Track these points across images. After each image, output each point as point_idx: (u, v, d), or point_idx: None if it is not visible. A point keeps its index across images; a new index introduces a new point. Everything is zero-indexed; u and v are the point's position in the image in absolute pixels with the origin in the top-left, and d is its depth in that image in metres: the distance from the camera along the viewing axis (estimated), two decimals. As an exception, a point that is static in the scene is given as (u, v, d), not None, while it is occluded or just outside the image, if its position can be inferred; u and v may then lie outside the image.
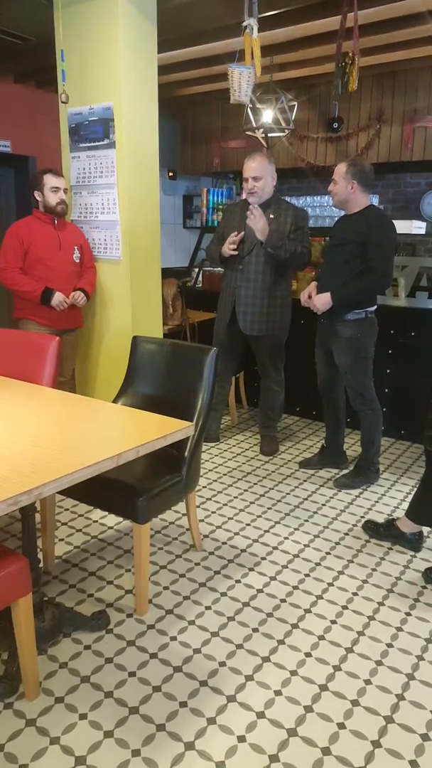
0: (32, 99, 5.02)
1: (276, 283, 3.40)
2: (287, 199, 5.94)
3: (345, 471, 3.39)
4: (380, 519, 2.87)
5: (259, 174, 3.27)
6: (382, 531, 2.69)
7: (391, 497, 3.15)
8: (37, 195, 3.19)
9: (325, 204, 5.71)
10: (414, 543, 2.61)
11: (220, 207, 6.01)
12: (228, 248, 3.37)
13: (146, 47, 3.14)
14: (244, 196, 3.43)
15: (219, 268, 4.98)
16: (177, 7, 3.23)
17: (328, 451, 3.48)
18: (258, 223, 3.23)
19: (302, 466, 3.51)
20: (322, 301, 3.00)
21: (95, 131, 3.21)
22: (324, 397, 3.38)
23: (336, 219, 3.24)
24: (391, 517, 2.83)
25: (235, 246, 3.35)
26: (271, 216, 3.32)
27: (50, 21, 3.23)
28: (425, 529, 2.68)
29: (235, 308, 3.46)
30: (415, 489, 2.59)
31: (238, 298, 3.44)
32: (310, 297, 3.10)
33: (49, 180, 3.15)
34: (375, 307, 3.06)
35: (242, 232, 3.35)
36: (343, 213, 3.10)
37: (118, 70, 3.04)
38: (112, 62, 3.05)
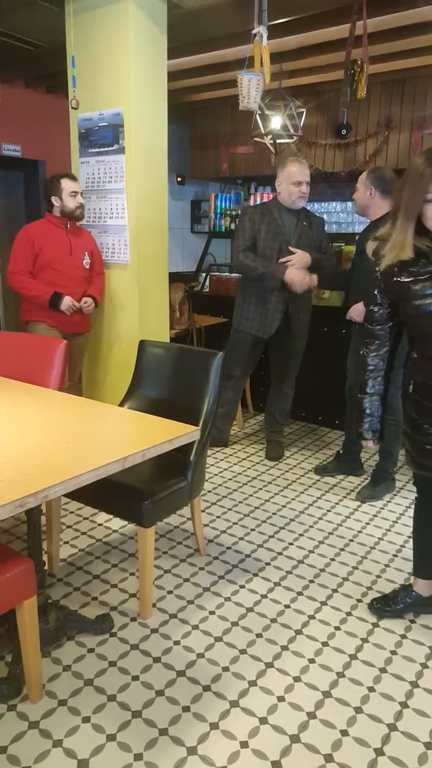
0: (43, 104, 5.06)
1: None
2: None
3: (365, 481, 3.34)
4: (379, 533, 2.85)
5: (309, 179, 3.32)
6: (401, 600, 2.22)
7: (389, 511, 3.13)
8: (54, 200, 3.18)
9: (332, 210, 5.73)
10: None
11: (228, 212, 6.02)
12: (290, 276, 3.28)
13: (156, 54, 3.17)
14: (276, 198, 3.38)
15: (230, 274, 5.00)
16: (187, 14, 3.25)
17: (345, 458, 3.45)
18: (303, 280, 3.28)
19: (318, 472, 3.49)
20: None
21: (105, 137, 3.23)
22: (350, 403, 3.32)
23: (344, 224, 3.24)
24: (403, 584, 2.36)
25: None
26: (304, 224, 3.38)
27: (62, 28, 3.26)
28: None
29: (290, 314, 3.42)
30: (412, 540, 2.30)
31: (293, 303, 3.41)
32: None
33: (67, 185, 3.16)
34: None
35: (283, 245, 3.32)
36: (364, 223, 3.12)
37: (128, 76, 3.06)
38: (122, 68, 3.07)
